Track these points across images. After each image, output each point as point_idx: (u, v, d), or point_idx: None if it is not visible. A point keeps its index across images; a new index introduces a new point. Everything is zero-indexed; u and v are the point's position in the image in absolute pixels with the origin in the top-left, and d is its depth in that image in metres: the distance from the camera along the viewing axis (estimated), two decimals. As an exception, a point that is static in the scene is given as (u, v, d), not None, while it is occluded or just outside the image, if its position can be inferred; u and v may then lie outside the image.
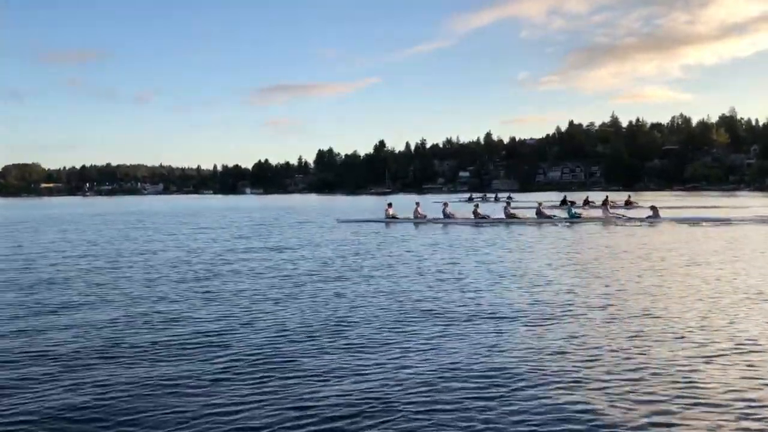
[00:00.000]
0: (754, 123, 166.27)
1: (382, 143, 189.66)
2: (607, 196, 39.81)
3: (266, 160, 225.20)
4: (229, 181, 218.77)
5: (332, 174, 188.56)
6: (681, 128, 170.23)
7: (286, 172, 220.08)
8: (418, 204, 32.19)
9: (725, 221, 27.33)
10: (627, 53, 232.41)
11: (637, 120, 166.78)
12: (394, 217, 31.00)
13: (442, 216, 30.52)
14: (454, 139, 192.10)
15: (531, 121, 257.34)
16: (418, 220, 30.38)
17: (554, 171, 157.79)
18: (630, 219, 28.71)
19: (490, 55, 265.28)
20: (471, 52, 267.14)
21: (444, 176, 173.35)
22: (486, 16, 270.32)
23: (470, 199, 62.94)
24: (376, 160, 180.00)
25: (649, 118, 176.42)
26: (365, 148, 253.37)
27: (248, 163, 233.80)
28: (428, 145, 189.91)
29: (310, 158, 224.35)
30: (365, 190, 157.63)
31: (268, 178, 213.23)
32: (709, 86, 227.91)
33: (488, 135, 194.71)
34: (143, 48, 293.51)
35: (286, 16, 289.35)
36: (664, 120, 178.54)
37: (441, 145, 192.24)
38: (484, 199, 64.35)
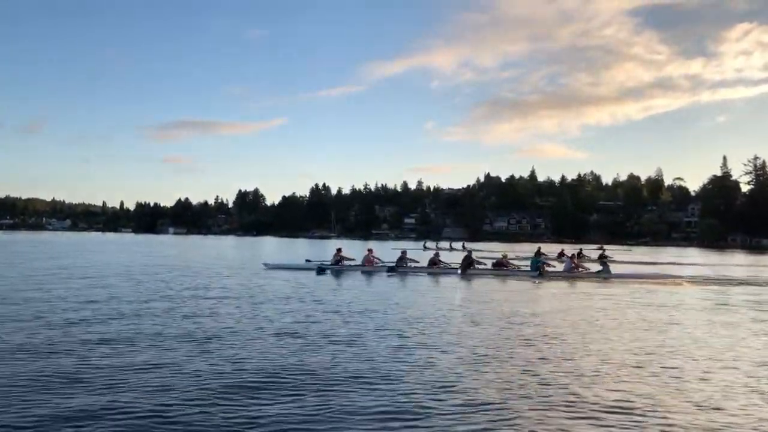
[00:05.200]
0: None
1: (323, 186, 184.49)
2: (581, 249, 38.92)
3: (186, 199, 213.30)
4: (146, 219, 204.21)
5: (268, 215, 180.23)
6: (604, 184, 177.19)
7: (208, 212, 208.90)
8: (370, 251, 28.59)
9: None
10: (531, 109, 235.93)
11: (579, 176, 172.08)
12: (341, 261, 27.33)
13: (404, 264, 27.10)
14: (366, 184, 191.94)
15: (437, 170, 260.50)
16: (368, 267, 26.80)
17: (500, 221, 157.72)
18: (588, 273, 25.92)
19: (399, 103, 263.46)
20: (380, 99, 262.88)
21: (387, 222, 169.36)
22: (398, 64, 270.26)
23: (425, 248, 61.07)
24: (316, 203, 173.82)
25: (543, 175, 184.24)
26: (276, 189, 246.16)
27: (148, 200, 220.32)
28: (355, 189, 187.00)
29: (221, 197, 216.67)
30: (306, 233, 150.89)
31: (188, 218, 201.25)
32: (602, 146, 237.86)
33: (419, 183, 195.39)
34: (30, 76, 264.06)
35: (186, 50, 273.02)
36: (560, 176, 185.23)
37: (373, 190, 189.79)
38: (438, 248, 61.49)
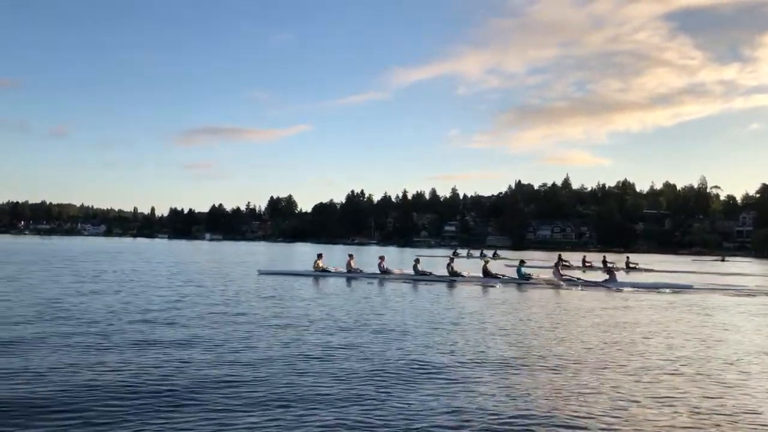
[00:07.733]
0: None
1: (357, 192, 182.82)
2: (604, 257, 39.01)
3: (220, 205, 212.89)
4: (180, 225, 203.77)
5: (302, 222, 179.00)
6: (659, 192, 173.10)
7: (242, 218, 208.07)
8: (351, 256, 28.39)
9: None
10: (557, 116, 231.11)
11: (623, 183, 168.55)
12: (324, 270, 26.94)
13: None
14: (404, 191, 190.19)
15: (461, 177, 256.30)
16: (351, 274, 26.51)
17: (543, 230, 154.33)
18: (586, 283, 24.52)
19: (424, 110, 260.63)
20: (405, 106, 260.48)
21: (426, 229, 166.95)
22: (424, 71, 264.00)
23: (482, 255, 58.60)
24: (351, 210, 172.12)
25: (574, 182, 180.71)
26: (300, 195, 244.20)
27: (173, 206, 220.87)
28: (387, 195, 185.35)
29: (252, 203, 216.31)
30: (346, 240, 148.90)
31: (222, 224, 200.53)
32: (630, 153, 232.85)
33: (453, 190, 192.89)
34: (57, 80, 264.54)
35: (211, 55, 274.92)
36: (587, 183, 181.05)
37: (410, 197, 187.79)
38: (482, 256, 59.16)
